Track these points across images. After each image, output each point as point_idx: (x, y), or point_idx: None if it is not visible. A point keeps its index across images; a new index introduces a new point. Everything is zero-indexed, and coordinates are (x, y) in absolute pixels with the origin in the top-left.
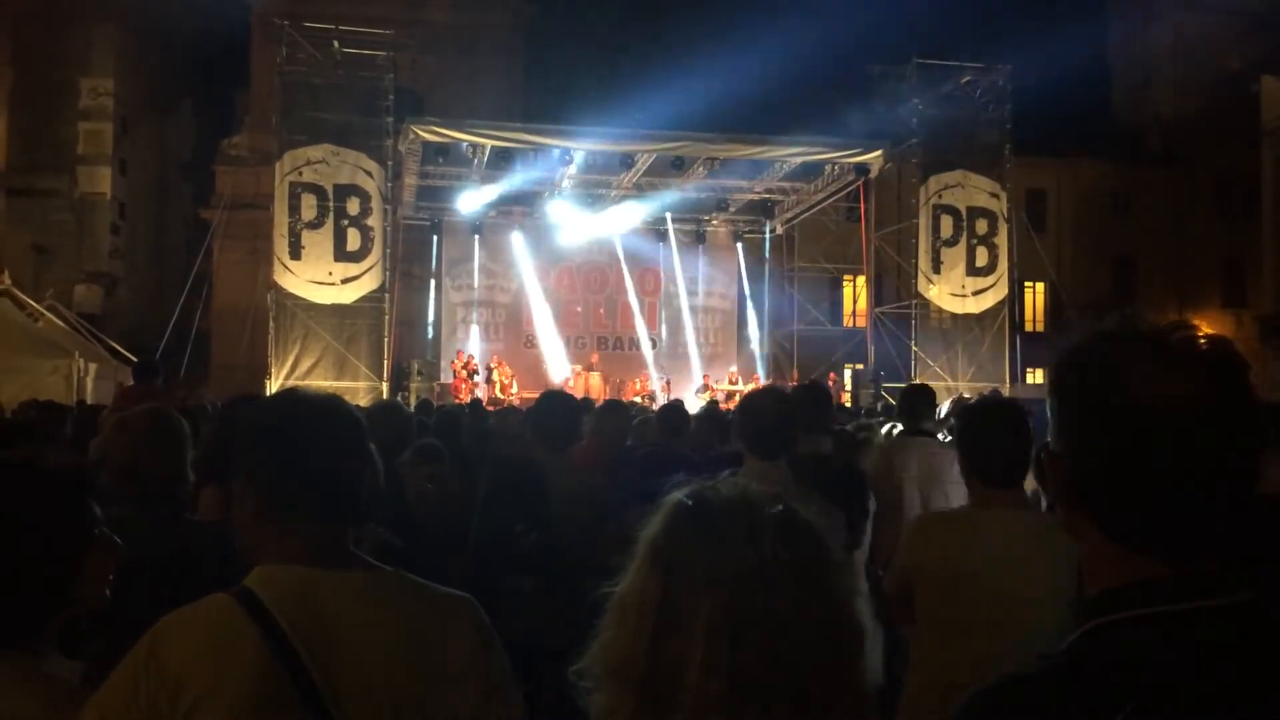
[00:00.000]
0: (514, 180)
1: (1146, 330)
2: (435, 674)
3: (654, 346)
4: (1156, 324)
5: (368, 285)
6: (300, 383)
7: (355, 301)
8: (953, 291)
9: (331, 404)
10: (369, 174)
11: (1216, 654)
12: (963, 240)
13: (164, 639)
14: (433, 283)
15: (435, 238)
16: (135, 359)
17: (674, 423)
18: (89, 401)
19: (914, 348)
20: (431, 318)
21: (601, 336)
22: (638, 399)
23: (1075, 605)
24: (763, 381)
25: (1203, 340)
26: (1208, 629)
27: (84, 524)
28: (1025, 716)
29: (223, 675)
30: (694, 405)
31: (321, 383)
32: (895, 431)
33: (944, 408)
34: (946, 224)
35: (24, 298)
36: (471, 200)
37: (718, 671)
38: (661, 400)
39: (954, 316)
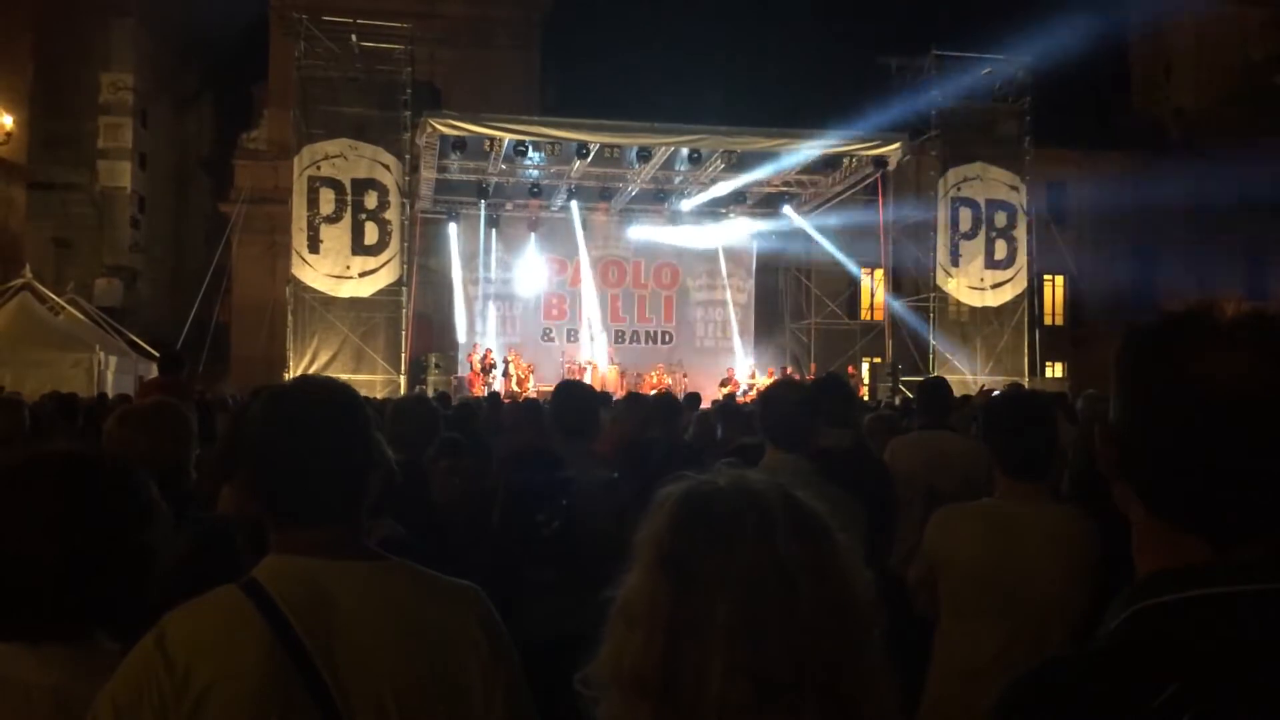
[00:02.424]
0: (531, 173)
1: (1209, 311)
2: (439, 663)
3: (670, 340)
4: (1221, 304)
5: (385, 279)
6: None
7: (373, 295)
8: (971, 285)
9: (333, 397)
10: (386, 168)
11: (1264, 638)
12: (981, 233)
13: (171, 630)
14: (451, 276)
15: (453, 230)
16: (156, 352)
17: (666, 413)
18: (109, 395)
19: (932, 341)
20: (450, 311)
21: (618, 330)
22: (655, 393)
23: (1125, 588)
24: (778, 374)
25: (1266, 320)
26: (1257, 612)
27: (155, 514)
28: (1068, 700)
29: (230, 666)
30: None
31: (339, 376)
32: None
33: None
34: (965, 217)
35: (45, 291)
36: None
37: (742, 676)
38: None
39: (972, 310)
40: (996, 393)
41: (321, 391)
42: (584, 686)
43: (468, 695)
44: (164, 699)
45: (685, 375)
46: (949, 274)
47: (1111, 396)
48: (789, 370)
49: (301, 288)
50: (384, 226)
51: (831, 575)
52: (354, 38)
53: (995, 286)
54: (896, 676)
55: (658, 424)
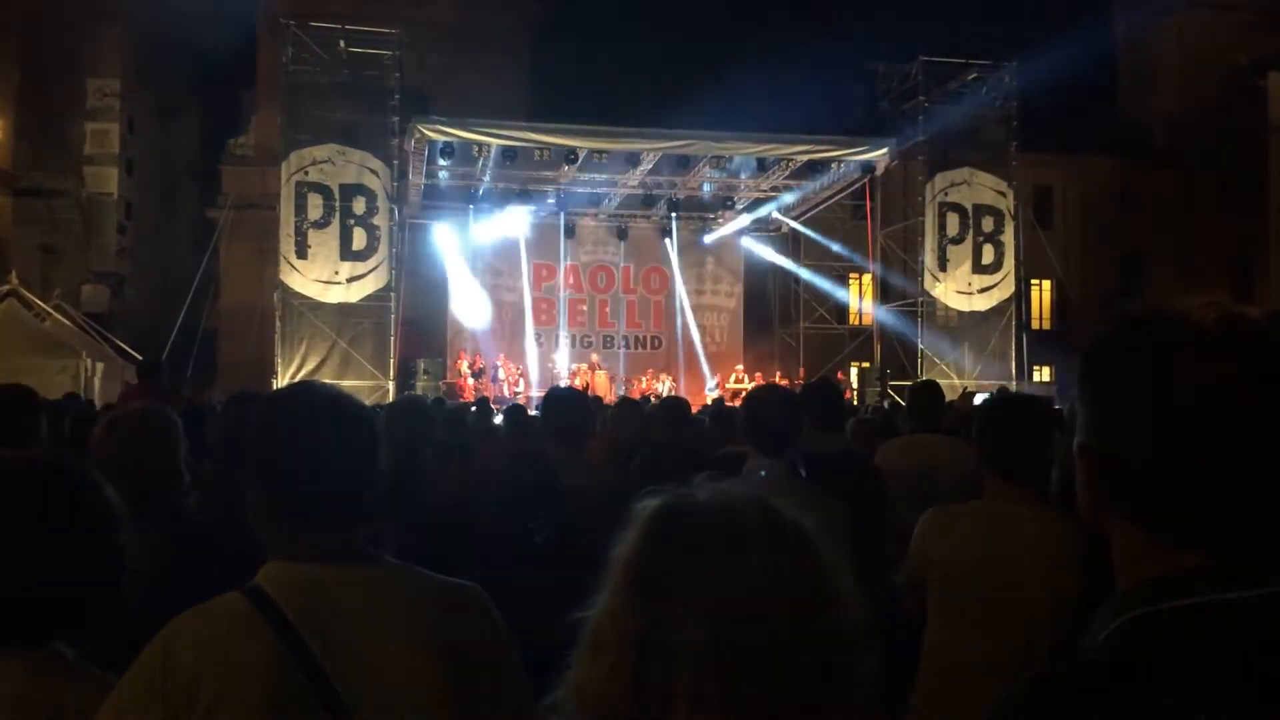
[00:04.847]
0: (520, 179)
1: (1182, 315)
2: (446, 665)
3: (659, 345)
4: (1190, 307)
5: (373, 284)
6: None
7: (361, 300)
8: (959, 289)
9: (339, 402)
10: (375, 173)
11: (1262, 643)
12: (969, 238)
13: (177, 639)
14: (439, 282)
15: (442, 235)
16: (142, 357)
17: (676, 417)
18: (96, 402)
19: (920, 346)
20: (439, 317)
21: (607, 335)
22: (649, 397)
23: (1110, 599)
24: (771, 380)
25: (1243, 322)
26: (1253, 618)
27: (118, 518)
28: (1061, 714)
29: (238, 674)
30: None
31: (328, 382)
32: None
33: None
34: (953, 221)
35: (32, 298)
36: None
37: (711, 707)
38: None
39: (960, 314)
40: (980, 396)
41: (329, 396)
42: (551, 713)
43: (476, 697)
44: (171, 710)
45: (674, 380)
46: (937, 278)
47: (1082, 409)
48: (780, 376)
49: (289, 293)
50: (372, 232)
51: (811, 601)
52: (342, 43)
53: (983, 291)
54: (886, 678)
55: (666, 428)
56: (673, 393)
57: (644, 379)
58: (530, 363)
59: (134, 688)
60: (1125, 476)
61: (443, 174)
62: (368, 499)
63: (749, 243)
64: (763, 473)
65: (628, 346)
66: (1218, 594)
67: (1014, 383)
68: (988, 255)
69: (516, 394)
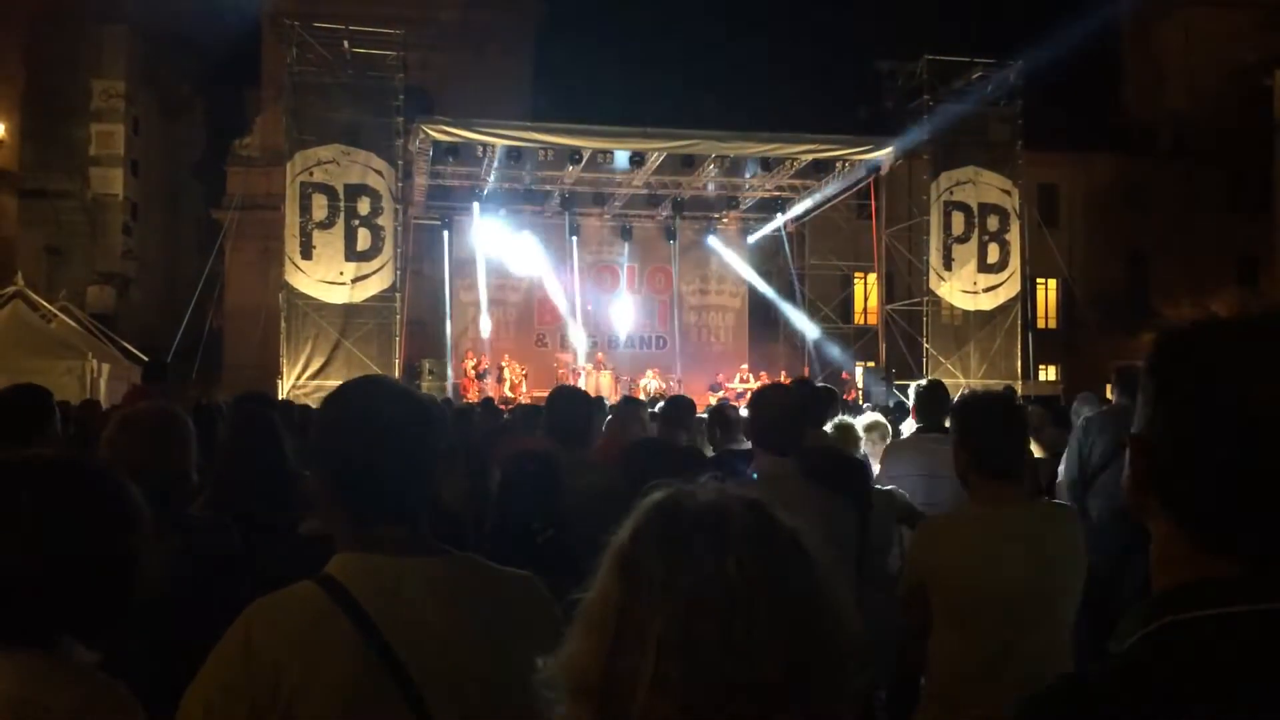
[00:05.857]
0: (524, 179)
1: (1261, 319)
2: (516, 653)
3: (664, 345)
4: (1269, 309)
5: (378, 285)
6: (316, 383)
7: (366, 301)
8: (964, 288)
9: (411, 398)
10: (379, 174)
11: None
12: (974, 237)
13: (258, 628)
14: (444, 282)
15: (446, 236)
16: (148, 359)
17: (677, 416)
18: (103, 403)
19: (926, 345)
20: (444, 317)
21: (611, 335)
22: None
23: (1143, 602)
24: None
25: None
26: None
27: (139, 519)
28: (1094, 717)
29: (318, 664)
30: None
31: (333, 382)
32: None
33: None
34: (958, 221)
35: (37, 299)
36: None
37: (670, 693)
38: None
39: (966, 313)
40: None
41: (400, 391)
42: (542, 687)
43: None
44: (256, 698)
45: (679, 380)
46: (942, 278)
47: (1144, 400)
48: (784, 376)
49: (294, 294)
50: (377, 232)
51: (791, 608)
52: (346, 43)
53: (988, 290)
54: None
55: (669, 428)
56: (660, 390)
57: (648, 379)
58: (534, 362)
59: (217, 678)
60: (1177, 476)
61: (447, 174)
62: (431, 491)
63: (753, 242)
64: (754, 474)
65: (632, 346)
66: (1254, 605)
67: (1019, 382)
68: (993, 254)
69: (522, 395)
